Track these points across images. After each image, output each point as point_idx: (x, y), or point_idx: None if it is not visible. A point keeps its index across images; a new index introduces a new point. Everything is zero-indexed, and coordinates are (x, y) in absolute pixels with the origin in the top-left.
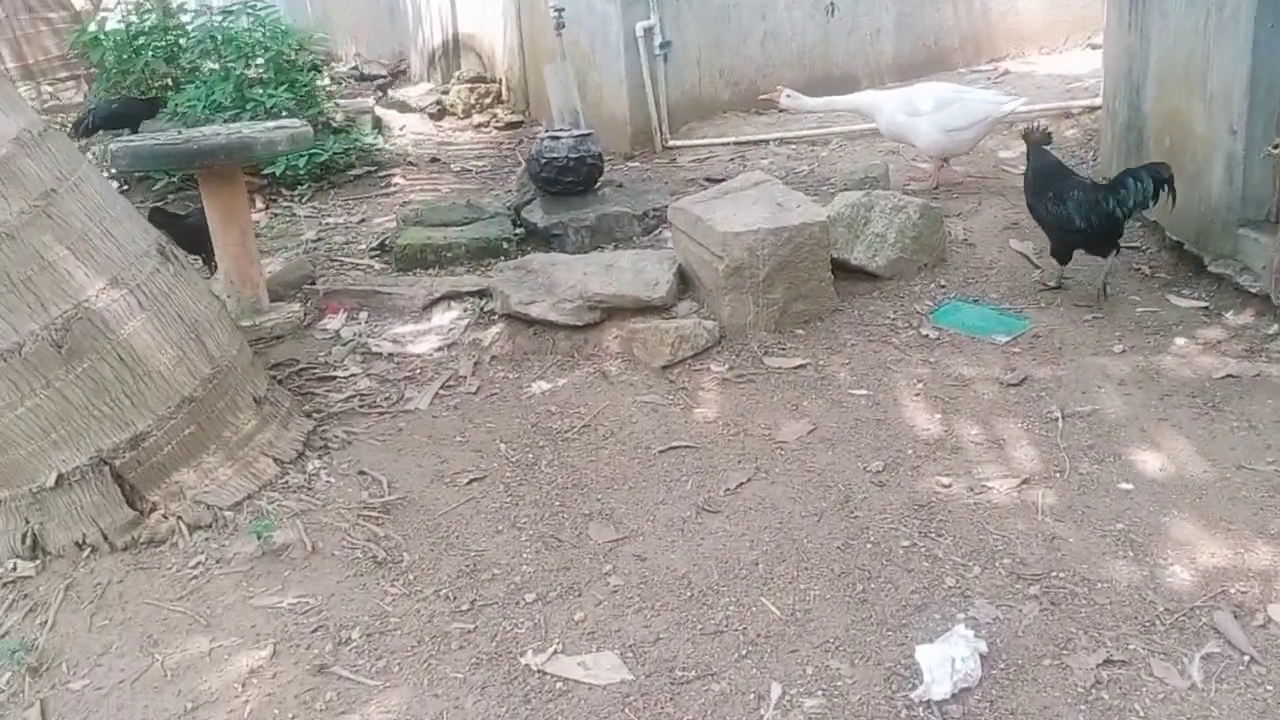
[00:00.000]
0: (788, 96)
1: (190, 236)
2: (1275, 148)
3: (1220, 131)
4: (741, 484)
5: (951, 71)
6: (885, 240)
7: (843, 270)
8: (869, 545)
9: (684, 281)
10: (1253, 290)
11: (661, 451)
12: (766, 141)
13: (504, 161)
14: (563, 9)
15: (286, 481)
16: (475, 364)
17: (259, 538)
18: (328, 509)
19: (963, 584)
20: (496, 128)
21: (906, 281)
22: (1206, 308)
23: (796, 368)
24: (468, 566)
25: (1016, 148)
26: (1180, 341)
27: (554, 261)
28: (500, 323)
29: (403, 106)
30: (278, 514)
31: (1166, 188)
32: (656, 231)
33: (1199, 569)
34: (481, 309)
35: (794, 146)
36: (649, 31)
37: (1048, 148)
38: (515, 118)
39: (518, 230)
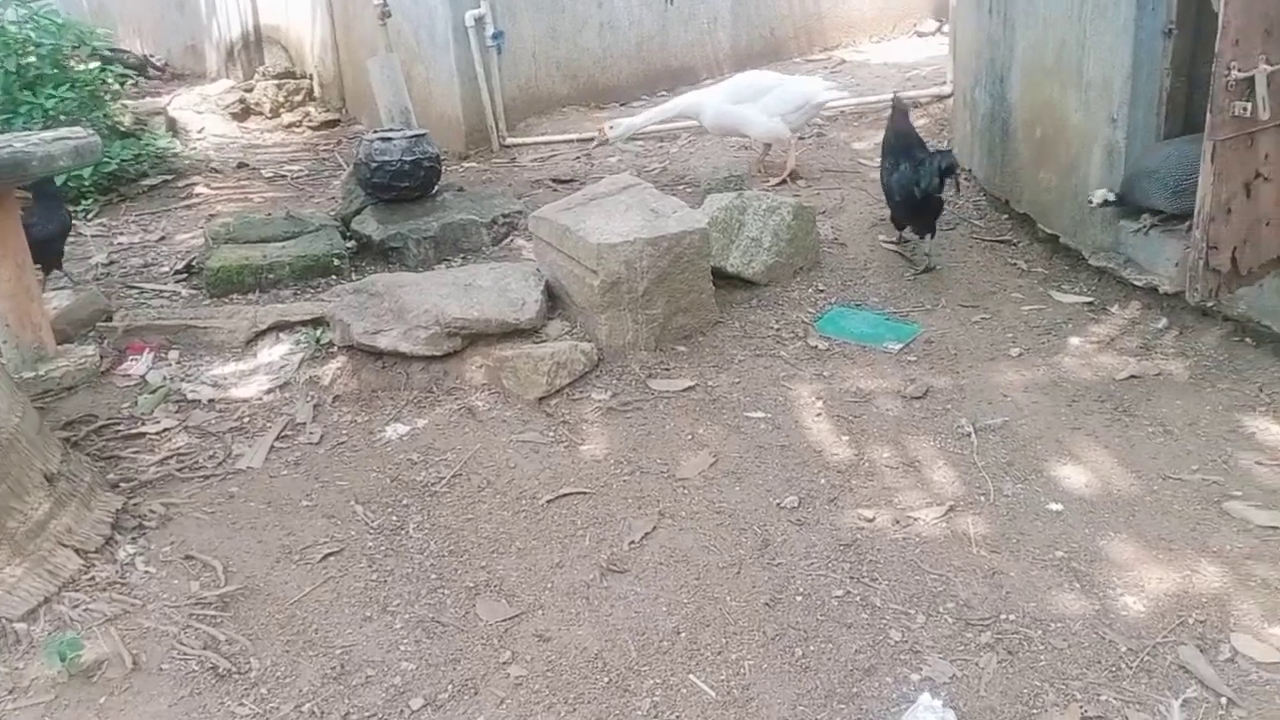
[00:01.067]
0: (611, 128)
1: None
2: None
3: (1099, 121)
4: (646, 534)
5: (788, 61)
6: (760, 245)
7: (719, 278)
8: (799, 598)
9: (552, 299)
10: (1138, 283)
11: (550, 501)
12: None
13: (323, 165)
14: None
15: (93, 577)
16: (315, 407)
17: (63, 659)
18: (149, 609)
19: (909, 637)
20: (310, 128)
21: (784, 287)
22: (1091, 303)
23: (685, 390)
24: (334, 669)
25: (870, 138)
26: (1075, 341)
27: (401, 282)
28: (341, 356)
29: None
30: (85, 621)
31: (952, 175)
32: (508, 240)
33: (1150, 598)
34: (318, 341)
35: (641, 143)
36: (479, 21)
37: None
38: (331, 116)
39: (349, 244)
